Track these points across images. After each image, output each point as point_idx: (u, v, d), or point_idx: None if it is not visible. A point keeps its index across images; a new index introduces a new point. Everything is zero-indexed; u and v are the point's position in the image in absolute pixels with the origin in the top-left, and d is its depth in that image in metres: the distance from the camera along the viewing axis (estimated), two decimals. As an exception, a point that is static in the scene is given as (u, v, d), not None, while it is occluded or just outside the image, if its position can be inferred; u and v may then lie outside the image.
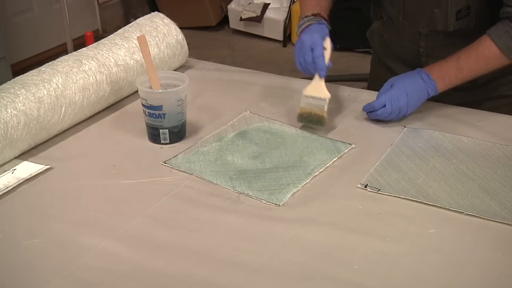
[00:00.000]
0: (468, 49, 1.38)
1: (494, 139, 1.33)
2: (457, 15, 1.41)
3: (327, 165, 1.25)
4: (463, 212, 1.10)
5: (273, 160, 1.27)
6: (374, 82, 1.70)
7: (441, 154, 1.28)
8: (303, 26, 1.43)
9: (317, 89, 1.38)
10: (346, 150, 1.30)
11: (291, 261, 1.00)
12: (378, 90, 1.44)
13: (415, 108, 1.40)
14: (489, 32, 1.36)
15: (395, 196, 1.15)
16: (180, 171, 1.23)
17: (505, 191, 1.16)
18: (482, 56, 1.37)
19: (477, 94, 1.52)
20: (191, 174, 1.21)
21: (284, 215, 1.11)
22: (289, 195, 1.16)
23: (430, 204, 1.13)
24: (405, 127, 1.39)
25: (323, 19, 1.44)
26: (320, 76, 1.38)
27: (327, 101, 1.37)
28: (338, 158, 1.28)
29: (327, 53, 1.38)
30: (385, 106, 1.37)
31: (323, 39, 1.39)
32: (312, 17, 1.44)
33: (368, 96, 1.54)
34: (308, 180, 1.20)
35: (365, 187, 1.18)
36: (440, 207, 1.12)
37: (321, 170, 1.23)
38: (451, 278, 0.96)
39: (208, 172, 1.22)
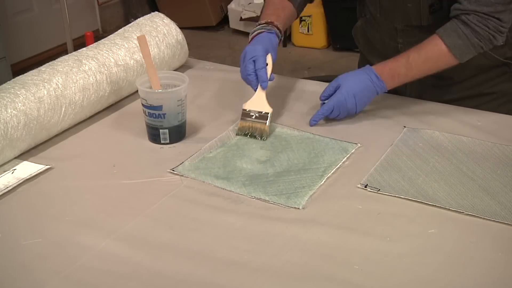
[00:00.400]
0: (418, 47, 1.39)
1: (494, 139, 1.33)
2: (430, 9, 1.43)
3: (338, 165, 1.25)
4: (463, 212, 1.10)
5: (283, 164, 1.26)
6: None
7: (441, 154, 1.28)
8: (252, 35, 1.45)
9: (259, 103, 1.37)
10: (354, 150, 1.30)
11: (291, 261, 1.00)
12: None
13: (363, 107, 1.42)
14: (439, 30, 1.37)
15: (395, 196, 1.15)
16: (191, 178, 1.22)
17: (505, 191, 1.16)
18: (430, 55, 1.38)
19: (457, 92, 1.52)
20: (204, 182, 1.20)
21: (284, 215, 1.11)
22: (306, 198, 1.15)
23: (430, 204, 1.13)
24: (405, 127, 1.39)
25: (275, 28, 1.44)
26: (263, 88, 1.38)
27: (269, 115, 1.36)
28: (347, 158, 1.28)
29: (269, 67, 1.39)
30: (332, 111, 1.39)
31: (267, 51, 1.39)
32: (264, 25, 1.44)
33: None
34: (322, 182, 1.20)
35: (365, 187, 1.18)
36: (440, 207, 1.12)
37: (333, 170, 1.23)
38: (451, 278, 0.96)
39: (220, 179, 1.21)
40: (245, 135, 1.36)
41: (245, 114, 1.37)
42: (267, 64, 1.38)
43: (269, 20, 1.45)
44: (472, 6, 1.32)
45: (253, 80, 1.37)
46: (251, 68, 1.37)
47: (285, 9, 1.52)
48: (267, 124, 1.35)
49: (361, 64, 1.73)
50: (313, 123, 1.40)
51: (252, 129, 1.35)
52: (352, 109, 1.39)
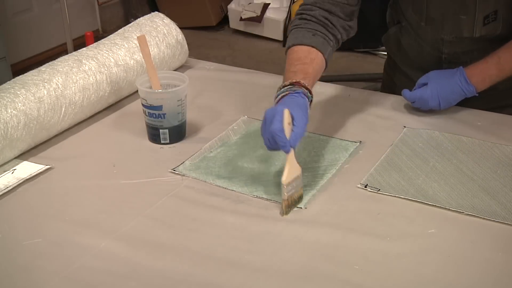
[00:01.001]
0: (508, 47, 1.36)
1: (494, 139, 1.33)
2: (484, 20, 1.39)
3: (340, 164, 1.25)
4: (463, 212, 1.10)
5: (284, 163, 1.26)
6: (387, 87, 1.66)
7: (441, 154, 1.28)
8: (276, 99, 1.21)
9: (292, 170, 1.13)
10: (354, 148, 1.30)
11: (291, 261, 1.00)
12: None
13: (449, 106, 1.41)
14: None
15: (395, 196, 1.15)
16: (191, 178, 1.22)
17: (505, 191, 1.16)
18: None
19: (499, 100, 1.49)
20: (205, 182, 1.20)
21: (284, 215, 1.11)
22: (308, 197, 1.15)
23: (430, 204, 1.13)
24: (405, 127, 1.39)
25: (302, 88, 1.20)
26: (287, 152, 1.12)
27: (301, 175, 1.16)
28: (349, 156, 1.28)
29: (287, 126, 1.11)
30: (415, 102, 1.42)
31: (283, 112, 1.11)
32: (289, 86, 1.21)
33: (368, 96, 1.54)
34: (325, 181, 1.20)
35: (365, 187, 1.18)
36: (440, 207, 1.12)
37: (335, 169, 1.23)
38: (451, 278, 0.96)
39: (221, 178, 1.21)
40: (290, 210, 1.13)
41: (287, 189, 1.12)
42: (289, 124, 1.12)
43: (294, 81, 1.21)
44: None
45: (276, 145, 1.12)
46: (270, 133, 1.11)
47: (313, 62, 1.29)
48: (301, 185, 1.16)
49: (390, 72, 1.68)
50: (405, 94, 1.42)
51: (294, 200, 1.14)
52: (435, 107, 1.40)
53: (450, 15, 1.42)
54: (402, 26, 1.56)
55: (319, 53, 1.30)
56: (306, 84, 1.21)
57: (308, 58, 1.29)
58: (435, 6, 1.44)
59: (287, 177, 1.11)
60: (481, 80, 1.37)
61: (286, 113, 1.11)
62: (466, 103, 1.44)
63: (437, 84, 1.38)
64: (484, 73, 1.37)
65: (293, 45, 1.32)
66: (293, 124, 1.12)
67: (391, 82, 1.67)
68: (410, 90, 1.43)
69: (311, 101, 1.22)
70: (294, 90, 1.19)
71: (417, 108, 1.45)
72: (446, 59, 1.49)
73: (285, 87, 1.21)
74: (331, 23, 1.34)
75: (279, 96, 1.21)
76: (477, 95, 1.39)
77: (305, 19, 1.35)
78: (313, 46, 1.30)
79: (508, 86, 1.46)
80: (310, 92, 1.21)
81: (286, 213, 1.12)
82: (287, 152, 1.11)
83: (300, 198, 1.15)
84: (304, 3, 1.38)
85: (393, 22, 1.60)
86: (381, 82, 1.77)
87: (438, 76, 1.40)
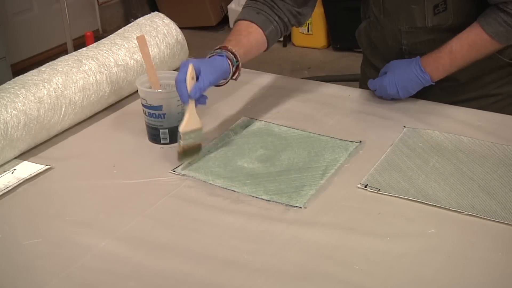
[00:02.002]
0: (459, 37, 1.40)
1: (494, 139, 1.33)
2: (434, 10, 1.42)
3: (339, 164, 1.25)
4: (463, 212, 1.10)
5: (283, 163, 1.26)
6: (364, 82, 1.70)
7: (441, 154, 1.28)
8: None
9: (191, 121, 1.22)
10: (354, 148, 1.30)
11: (291, 261, 1.00)
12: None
13: (409, 95, 1.46)
14: (479, 19, 1.38)
15: (395, 196, 1.15)
16: (191, 178, 1.22)
17: (505, 191, 1.16)
18: (473, 44, 1.39)
19: (462, 93, 1.52)
20: (205, 182, 1.20)
21: (284, 215, 1.11)
22: (308, 197, 1.15)
23: (430, 204, 1.13)
24: (405, 127, 1.39)
25: (227, 52, 1.30)
26: (184, 103, 1.23)
27: (201, 129, 1.25)
28: (349, 156, 1.28)
29: (190, 79, 1.21)
30: (376, 90, 1.49)
31: (198, 68, 1.22)
32: (218, 50, 1.31)
33: (368, 96, 1.54)
34: (324, 181, 1.20)
35: (365, 187, 1.18)
36: (440, 207, 1.12)
37: (334, 169, 1.23)
38: (451, 278, 0.96)
39: (221, 178, 1.21)
40: (185, 157, 1.24)
41: (184, 137, 1.22)
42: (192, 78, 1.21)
43: (222, 46, 1.32)
44: None
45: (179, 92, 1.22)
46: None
47: (249, 34, 1.39)
48: (200, 138, 1.25)
49: (364, 67, 1.73)
50: (369, 83, 1.49)
51: (189, 149, 1.24)
52: (394, 95, 1.46)
53: (403, 6, 1.46)
54: (370, 20, 1.60)
55: (259, 29, 1.41)
56: (233, 50, 1.31)
57: (245, 31, 1.40)
58: None
59: (185, 127, 1.21)
60: (435, 69, 1.42)
61: (190, 67, 1.21)
62: (431, 96, 1.49)
63: (395, 72, 1.45)
64: (437, 62, 1.42)
65: (237, 20, 1.44)
66: (197, 79, 1.22)
67: (365, 77, 1.70)
68: None
69: (238, 66, 1.32)
70: (218, 53, 1.30)
71: (417, 108, 1.45)
72: (406, 50, 1.53)
73: (214, 51, 1.32)
74: (277, 6, 1.44)
75: (207, 57, 1.31)
76: (433, 83, 1.44)
77: (255, 0, 1.45)
78: (253, 22, 1.41)
79: (470, 78, 1.50)
80: (236, 57, 1.31)
81: (182, 159, 1.24)
82: (184, 102, 1.22)
83: (198, 149, 1.26)
84: None
85: (364, 17, 1.65)
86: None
87: (396, 65, 1.47)
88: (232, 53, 1.31)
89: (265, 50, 1.46)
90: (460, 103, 1.50)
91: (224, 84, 1.34)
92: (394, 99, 1.48)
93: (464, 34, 1.39)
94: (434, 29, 1.45)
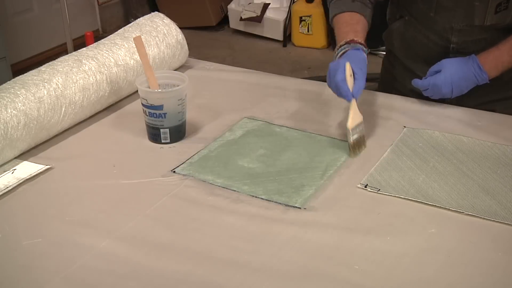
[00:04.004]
0: None
1: (494, 139, 1.33)
2: (496, 8, 1.40)
3: (339, 164, 1.25)
4: (463, 212, 1.10)
5: (284, 163, 1.26)
6: (386, 83, 1.68)
7: (441, 154, 1.28)
8: (337, 56, 1.39)
9: (355, 117, 1.29)
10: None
11: (291, 261, 1.00)
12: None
13: (461, 93, 1.43)
14: None
15: (395, 196, 1.15)
16: (191, 178, 1.22)
17: (505, 191, 1.16)
18: None
19: (504, 90, 1.50)
20: (204, 182, 1.20)
21: (284, 215, 1.11)
22: (307, 197, 1.15)
23: (430, 204, 1.13)
24: (405, 127, 1.39)
25: (358, 44, 1.38)
26: (348, 101, 1.29)
27: (362, 122, 1.32)
28: (348, 156, 1.28)
29: (349, 78, 1.29)
30: (427, 90, 1.44)
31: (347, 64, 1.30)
32: (346, 45, 1.39)
33: (368, 96, 1.54)
34: (323, 181, 1.20)
35: (365, 187, 1.18)
36: (440, 207, 1.12)
37: (333, 169, 1.23)
38: (451, 278, 0.96)
39: (221, 178, 1.21)
40: (358, 151, 1.29)
41: (353, 132, 1.28)
42: (351, 75, 1.30)
43: (348, 39, 1.39)
44: None
45: (339, 94, 1.30)
46: (333, 83, 1.31)
47: (359, 22, 1.46)
48: (363, 131, 1.31)
49: (389, 68, 1.69)
50: (417, 82, 1.45)
51: (360, 143, 1.30)
52: (447, 94, 1.42)
53: (463, 3, 1.43)
54: (406, 20, 1.58)
55: (361, 16, 1.47)
56: (360, 40, 1.38)
57: (353, 20, 1.46)
58: None
59: (351, 123, 1.27)
60: (494, 67, 1.40)
61: (348, 66, 1.28)
62: (474, 93, 1.45)
63: (451, 70, 1.41)
64: (497, 59, 1.40)
65: (336, 14, 1.49)
66: (354, 78, 1.29)
67: (390, 78, 1.68)
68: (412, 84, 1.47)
69: (367, 54, 1.38)
70: (353, 46, 1.37)
71: (417, 108, 1.45)
72: (453, 49, 1.50)
73: (343, 46, 1.39)
74: None
75: (340, 53, 1.38)
76: (489, 82, 1.41)
77: None
78: (354, 11, 1.47)
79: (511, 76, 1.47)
80: (365, 46, 1.38)
81: (354, 154, 1.28)
82: (349, 100, 1.28)
83: (363, 140, 1.31)
84: None
85: (394, 18, 1.62)
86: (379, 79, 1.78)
87: (451, 63, 1.42)
88: (360, 43, 1.38)
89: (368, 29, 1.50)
90: (502, 101, 1.49)
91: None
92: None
93: None
94: (490, 28, 1.43)
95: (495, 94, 1.50)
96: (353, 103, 1.29)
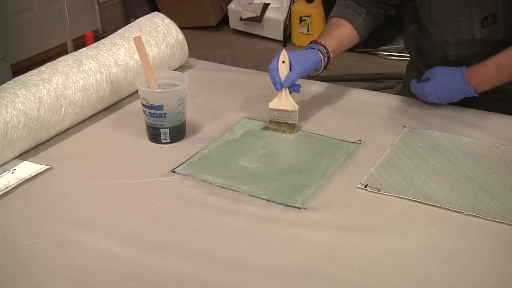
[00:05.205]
0: (508, 52, 1.36)
1: (494, 139, 1.33)
2: (482, 22, 1.39)
3: (338, 164, 1.25)
4: (463, 212, 1.10)
5: (283, 163, 1.26)
6: (408, 85, 1.68)
7: (441, 154, 1.28)
8: None
9: (282, 102, 1.37)
10: (354, 149, 1.30)
11: (291, 261, 1.00)
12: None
13: (451, 101, 1.44)
14: None
15: (395, 196, 1.15)
16: (191, 178, 1.22)
17: (505, 191, 1.16)
18: None
19: (510, 106, 1.47)
20: (204, 181, 1.20)
21: (284, 215, 1.11)
22: (307, 197, 1.15)
23: (430, 204, 1.13)
24: (405, 127, 1.39)
25: (316, 44, 1.43)
26: (277, 89, 1.37)
27: (296, 112, 1.37)
28: (348, 156, 1.28)
29: (284, 67, 1.36)
30: (417, 95, 1.48)
31: (290, 59, 1.36)
32: (310, 44, 1.44)
33: (368, 96, 1.54)
34: (323, 181, 1.20)
35: (365, 187, 1.18)
36: (440, 207, 1.12)
37: (333, 170, 1.23)
38: (451, 278, 0.96)
39: (221, 178, 1.21)
40: (274, 129, 1.38)
41: (272, 113, 1.38)
42: (283, 62, 1.36)
43: (314, 40, 1.45)
44: None
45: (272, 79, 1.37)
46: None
47: (339, 27, 1.50)
48: (295, 120, 1.38)
49: (409, 69, 1.69)
50: (412, 84, 1.48)
51: (281, 125, 1.38)
52: (436, 102, 1.44)
53: (450, 17, 1.43)
54: (420, 25, 1.58)
55: (347, 23, 1.51)
56: (323, 42, 1.43)
57: (335, 25, 1.51)
58: (437, 9, 1.45)
59: (273, 104, 1.37)
60: (480, 82, 1.38)
61: (283, 53, 1.36)
62: (478, 105, 1.45)
63: (438, 81, 1.42)
64: (483, 76, 1.38)
65: (329, 18, 1.56)
66: (290, 69, 1.35)
67: (409, 79, 1.66)
68: None
69: (329, 56, 1.43)
70: (310, 47, 1.43)
71: (417, 108, 1.46)
72: (452, 62, 1.49)
73: (307, 45, 1.44)
74: (362, 1, 1.52)
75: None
76: (477, 95, 1.40)
77: None
78: (341, 17, 1.52)
79: None
80: (326, 48, 1.43)
81: (272, 129, 1.38)
82: (277, 89, 1.36)
83: (291, 128, 1.37)
84: None
85: (414, 21, 1.62)
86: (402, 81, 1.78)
87: (440, 73, 1.43)
88: (322, 45, 1.43)
89: (358, 42, 1.54)
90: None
91: (318, 75, 1.45)
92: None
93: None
94: (483, 41, 1.42)
95: (503, 108, 1.46)
96: (283, 91, 1.36)
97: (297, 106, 1.37)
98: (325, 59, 1.42)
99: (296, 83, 1.38)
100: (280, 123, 1.38)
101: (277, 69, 1.36)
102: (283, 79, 1.35)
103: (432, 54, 1.55)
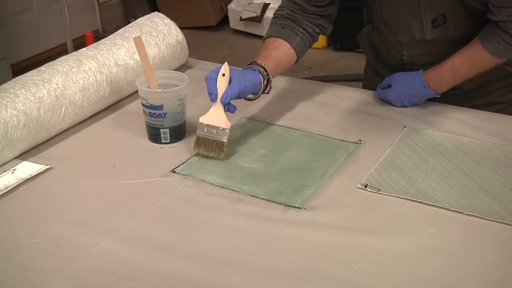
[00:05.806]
0: (461, 54, 1.40)
1: (494, 139, 1.33)
2: (433, 23, 1.41)
3: (338, 164, 1.25)
4: (463, 212, 1.10)
5: (283, 163, 1.26)
6: (367, 85, 1.70)
7: (441, 154, 1.28)
8: None
9: (214, 118, 1.26)
10: (354, 149, 1.30)
11: (291, 261, 1.00)
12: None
13: (414, 104, 1.48)
14: (479, 36, 1.37)
15: (395, 196, 1.15)
16: (191, 178, 1.22)
17: (505, 191, 1.16)
18: (475, 61, 1.39)
19: (466, 101, 1.51)
20: (204, 182, 1.20)
21: (284, 215, 1.11)
22: (307, 197, 1.15)
23: (430, 204, 1.13)
24: (405, 127, 1.39)
25: (256, 66, 1.34)
26: (212, 100, 1.27)
27: (227, 131, 1.26)
28: (348, 156, 1.28)
29: (224, 80, 1.26)
30: (383, 100, 1.51)
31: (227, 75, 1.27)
32: (249, 65, 1.36)
33: (368, 96, 1.54)
34: (323, 181, 1.20)
35: (365, 187, 1.18)
36: (440, 207, 1.12)
37: (333, 170, 1.23)
38: (451, 278, 0.96)
39: (221, 178, 1.21)
40: (202, 148, 1.27)
41: (202, 127, 1.27)
42: (223, 75, 1.27)
43: (253, 61, 1.37)
44: (504, 16, 1.30)
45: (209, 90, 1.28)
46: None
47: (277, 48, 1.43)
48: (225, 139, 1.26)
49: (367, 71, 1.72)
50: (377, 91, 1.51)
51: (210, 142, 1.27)
52: (401, 105, 1.47)
53: (402, 20, 1.45)
54: (374, 25, 1.59)
55: (285, 42, 1.45)
56: (263, 64, 1.36)
57: (273, 46, 1.44)
58: (388, 12, 1.47)
59: (205, 119, 1.26)
60: (439, 84, 1.43)
61: (225, 65, 1.28)
62: (435, 104, 1.48)
63: (399, 88, 1.46)
64: (440, 77, 1.42)
65: (265, 38, 1.49)
66: (229, 83, 1.27)
67: (368, 80, 1.70)
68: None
69: (268, 79, 1.35)
70: (250, 67, 1.35)
71: (417, 108, 1.46)
72: (407, 61, 1.53)
73: (246, 66, 1.36)
74: (299, 19, 1.47)
75: None
76: (438, 96, 1.45)
77: (277, 17, 1.50)
78: (279, 37, 1.45)
79: (474, 87, 1.49)
80: (266, 70, 1.35)
81: (194, 149, 1.27)
82: (212, 100, 1.27)
83: (220, 148, 1.26)
84: (278, 7, 1.52)
85: (368, 22, 1.63)
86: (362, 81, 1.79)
87: (400, 79, 1.47)
88: (262, 67, 1.35)
89: (296, 61, 1.49)
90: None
91: (255, 99, 1.37)
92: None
93: (465, 51, 1.39)
94: (434, 41, 1.44)
95: (458, 104, 1.49)
96: (218, 104, 1.26)
97: (229, 124, 1.26)
98: (265, 82, 1.34)
99: (231, 103, 1.28)
100: (207, 140, 1.26)
101: (215, 80, 1.26)
102: (221, 94, 1.26)
103: (387, 54, 1.58)
